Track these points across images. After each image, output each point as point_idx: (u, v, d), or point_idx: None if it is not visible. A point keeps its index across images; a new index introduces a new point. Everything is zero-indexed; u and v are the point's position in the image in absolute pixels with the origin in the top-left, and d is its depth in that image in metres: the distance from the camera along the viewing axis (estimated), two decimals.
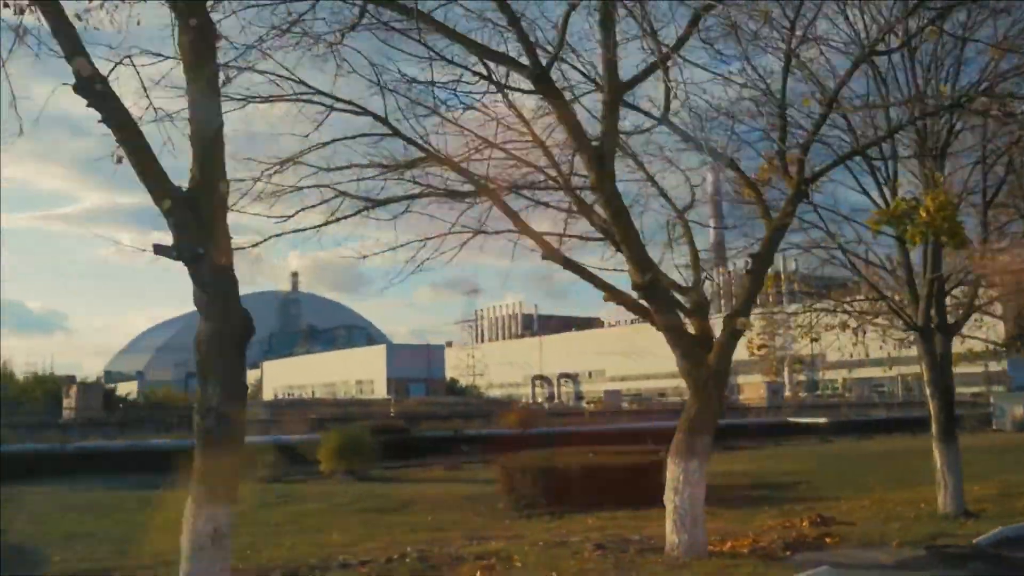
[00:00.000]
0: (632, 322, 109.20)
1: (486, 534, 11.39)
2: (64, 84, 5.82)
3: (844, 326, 14.57)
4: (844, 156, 11.22)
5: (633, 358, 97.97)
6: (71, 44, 5.84)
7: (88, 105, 5.84)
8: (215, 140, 6.01)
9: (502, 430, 28.67)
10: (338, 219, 9.89)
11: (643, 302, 10.20)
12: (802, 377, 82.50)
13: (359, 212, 9.97)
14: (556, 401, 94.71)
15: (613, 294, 10.64)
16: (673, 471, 9.41)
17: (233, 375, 5.47)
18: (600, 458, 15.58)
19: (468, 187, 10.25)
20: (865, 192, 13.42)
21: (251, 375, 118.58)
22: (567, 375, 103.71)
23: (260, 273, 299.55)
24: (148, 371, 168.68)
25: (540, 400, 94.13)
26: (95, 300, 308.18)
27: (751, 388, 62.52)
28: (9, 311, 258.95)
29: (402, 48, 9.19)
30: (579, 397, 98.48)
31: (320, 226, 9.81)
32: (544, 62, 9.07)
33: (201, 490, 5.28)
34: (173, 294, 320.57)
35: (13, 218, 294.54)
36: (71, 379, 42.13)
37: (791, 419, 39.82)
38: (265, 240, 9.26)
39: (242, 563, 8.71)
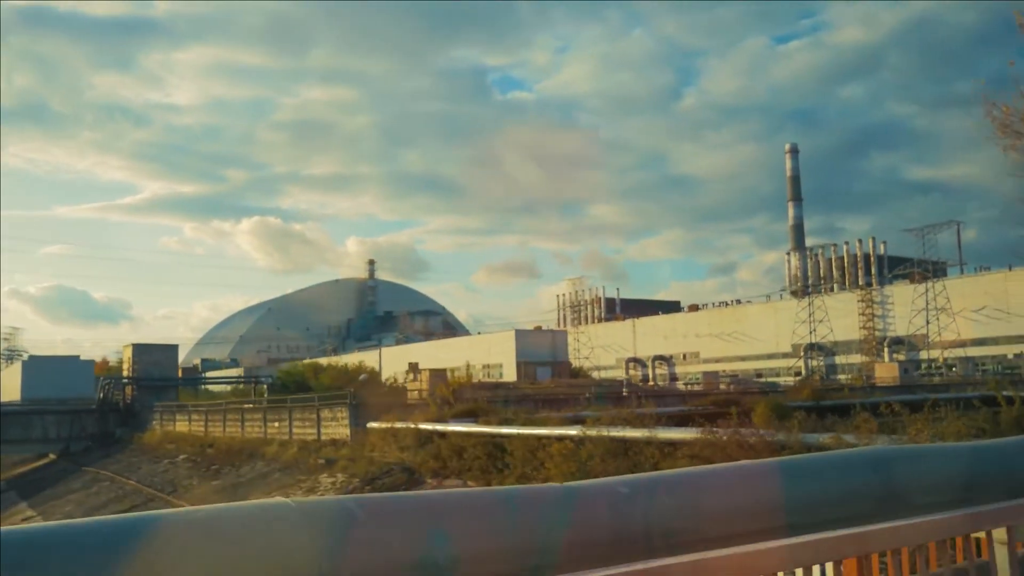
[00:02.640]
0: (724, 304, 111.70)
1: None
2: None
3: None
4: None
5: (727, 339, 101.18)
6: None
7: None
8: None
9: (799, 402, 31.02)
10: None
11: None
12: (901, 356, 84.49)
13: None
14: (651, 383, 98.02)
15: None
16: None
17: None
18: None
19: None
20: None
21: (356, 358, 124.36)
22: (661, 357, 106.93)
23: (325, 261, 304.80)
24: (239, 359, 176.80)
25: (635, 382, 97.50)
26: (157, 290, 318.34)
27: (883, 368, 65.22)
28: (75, 301, 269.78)
29: None
30: (674, 379, 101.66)
31: None
32: None
33: None
34: (234, 284, 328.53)
35: (76, 209, 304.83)
36: (414, 366, 47.51)
37: None
38: None
39: None
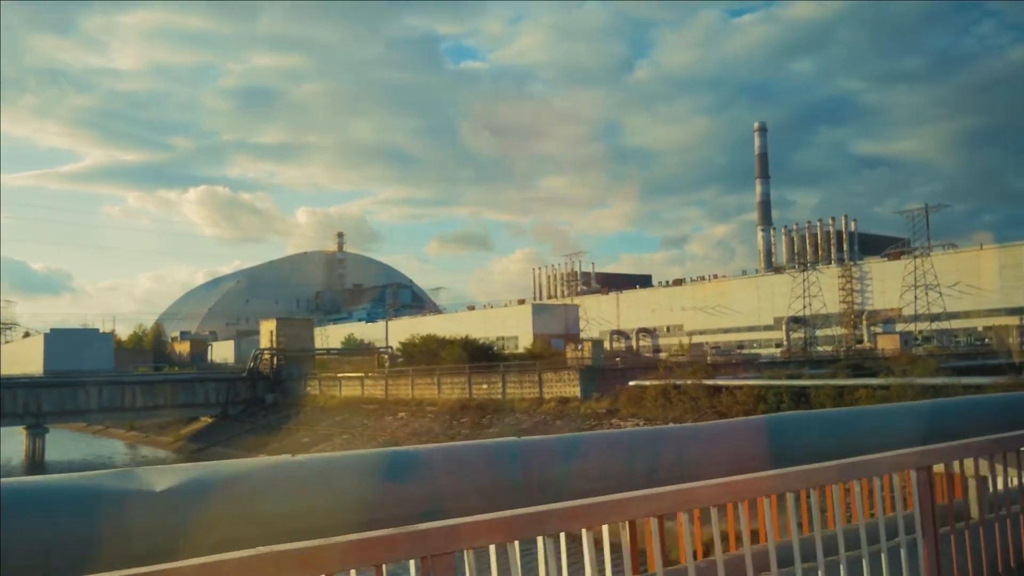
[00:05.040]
0: (706, 278, 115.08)
1: None
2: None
3: None
4: None
5: (711, 313, 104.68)
6: None
7: None
8: None
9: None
10: None
11: None
12: (878, 329, 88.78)
13: None
14: (635, 354, 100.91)
15: None
16: None
17: None
18: None
19: None
20: None
21: (344, 330, 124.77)
22: (645, 330, 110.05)
23: (274, 231, 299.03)
24: (205, 332, 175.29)
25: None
26: (100, 260, 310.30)
27: (885, 340, 68.98)
28: (13, 271, 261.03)
29: None
30: (657, 350, 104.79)
31: None
32: None
33: None
34: (181, 254, 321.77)
35: (13, 177, 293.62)
36: (574, 338, 50.37)
37: None
38: None
39: None
